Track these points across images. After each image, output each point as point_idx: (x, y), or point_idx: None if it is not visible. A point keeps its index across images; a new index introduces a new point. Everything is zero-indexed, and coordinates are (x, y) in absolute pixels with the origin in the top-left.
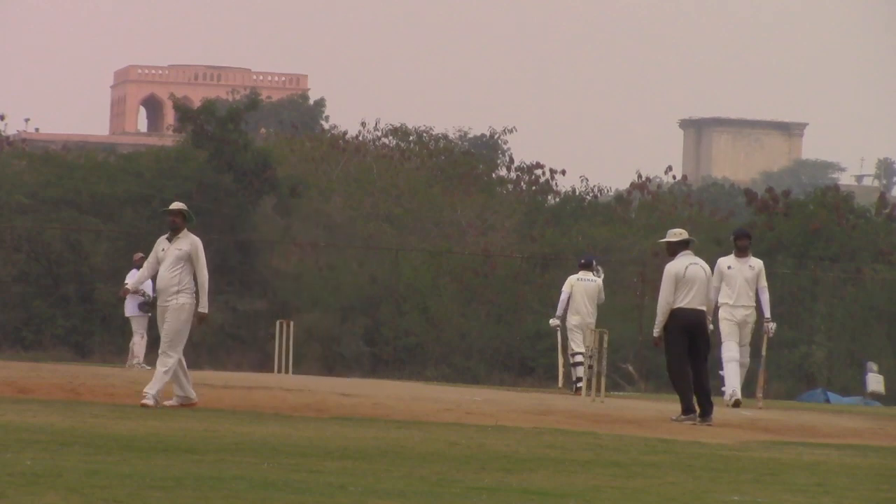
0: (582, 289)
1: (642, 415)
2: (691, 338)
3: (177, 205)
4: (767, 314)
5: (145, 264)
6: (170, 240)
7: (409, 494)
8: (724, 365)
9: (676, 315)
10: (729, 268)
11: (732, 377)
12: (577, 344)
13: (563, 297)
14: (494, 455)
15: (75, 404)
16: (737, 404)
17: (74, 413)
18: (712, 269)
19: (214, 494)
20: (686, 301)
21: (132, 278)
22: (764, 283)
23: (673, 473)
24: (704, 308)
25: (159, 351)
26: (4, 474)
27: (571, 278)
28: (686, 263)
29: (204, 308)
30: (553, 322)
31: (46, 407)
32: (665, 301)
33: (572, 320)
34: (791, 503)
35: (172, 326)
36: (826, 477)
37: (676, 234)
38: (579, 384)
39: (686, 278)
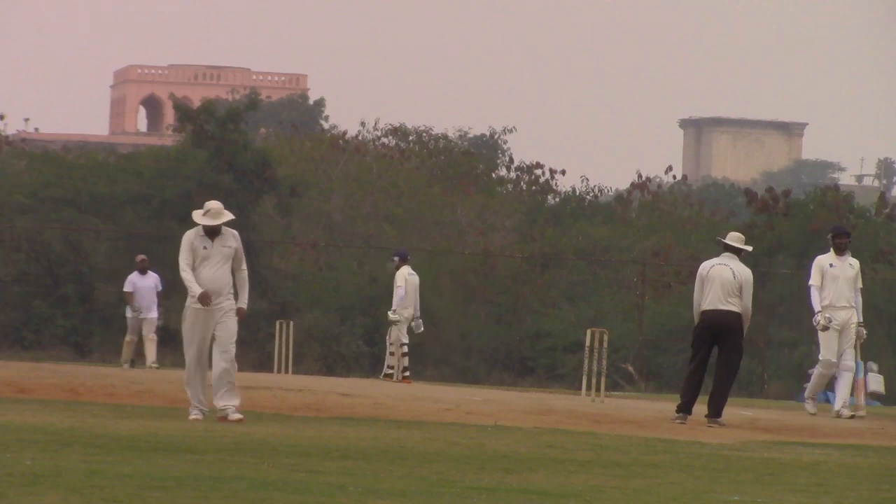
0: (413, 283)
1: (642, 415)
2: (714, 339)
3: (216, 222)
4: (860, 318)
5: (184, 264)
6: (211, 237)
7: (409, 494)
8: (815, 372)
9: (702, 315)
10: (831, 265)
11: (842, 389)
12: (406, 336)
13: (402, 292)
14: (494, 455)
15: (75, 404)
16: (839, 416)
17: (74, 413)
18: (805, 268)
19: (214, 494)
20: (707, 302)
21: (135, 279)
22: (860, 283)
23: (673, 473)
24: (731, 309)
25: (228, 359)
26: (4, 474)
27: (404, 272)
28: (713, 263)
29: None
30: (395, 317)
31: (46, 407)
32: (694, 301)
33: (404, 313)
34: (791, 503)
35: (235, 329)
36: (826, 477)
37: (729, 237)
38: (406, 373)
39: (708, 277)
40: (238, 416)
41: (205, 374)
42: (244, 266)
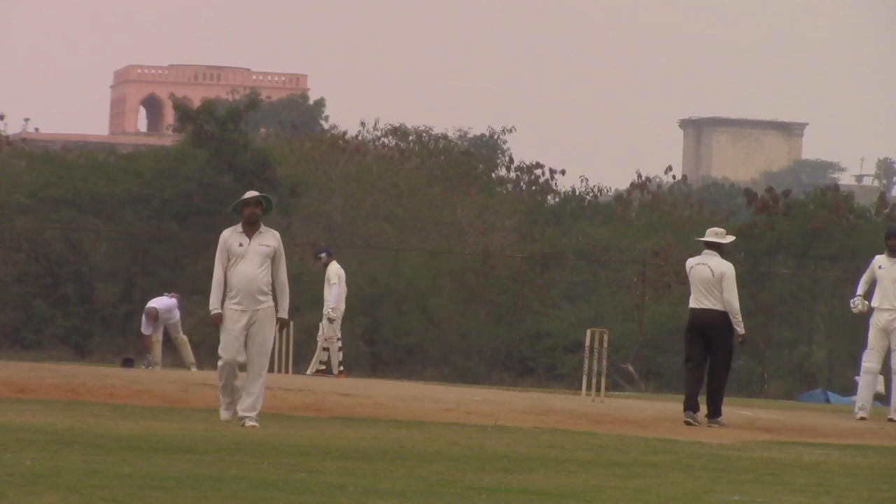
0: (344, 278)
1: (642, 415)
2: (704, 338)
3: (253, 193)
4: None
5: (217, 271)
6: (249, 234)
7: (409, 494)
8: (861, 375)
9: (688, 314)
10: (880, 268)
11: (863, 390)
12: (338, 330)
13: (337, 289)
14: (494, 455)
15: (75, 404)
16: (862, 419)
17: (74, 413)
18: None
19: (214, 494)
20: (692, 300)
21: (160, 304)
22: None
23: (673, 473)
24: (716, 308)
25: (259, 368)
26: (4, 474)
27: (335, 268)
28: (694, 262)
29: (284, 313)
30: (334, 315)
31: (46, 407)
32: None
33: (339, 308)
34: (791, 503)
35: (270, 336)
36: (826, 477)
37: (706, 234)
38: (342, 368)
39: (690, 276)
40: (254, 423)
41: (236, 374)
42: (284, 270)
